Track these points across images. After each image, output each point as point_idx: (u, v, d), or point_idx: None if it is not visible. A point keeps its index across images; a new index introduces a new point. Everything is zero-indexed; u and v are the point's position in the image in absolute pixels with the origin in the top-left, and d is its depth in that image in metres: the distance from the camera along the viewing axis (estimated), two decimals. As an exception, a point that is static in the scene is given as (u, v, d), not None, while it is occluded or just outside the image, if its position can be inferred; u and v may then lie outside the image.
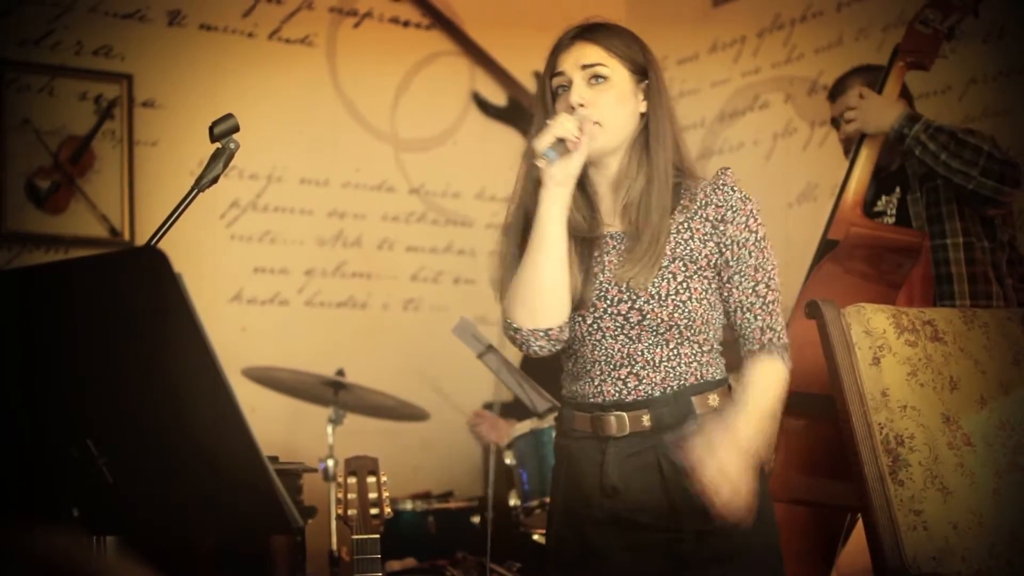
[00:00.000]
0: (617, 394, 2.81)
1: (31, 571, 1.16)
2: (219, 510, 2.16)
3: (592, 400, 2.84)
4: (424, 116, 6.30)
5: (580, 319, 2.83)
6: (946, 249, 3.97)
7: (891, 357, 3.07)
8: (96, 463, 2.12)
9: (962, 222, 3.98)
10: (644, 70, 2.86)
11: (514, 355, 4.52)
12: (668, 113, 2.87)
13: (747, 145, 6.03)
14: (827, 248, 3.99)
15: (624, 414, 2.80)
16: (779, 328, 2.82)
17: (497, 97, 6.46)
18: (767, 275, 2.82)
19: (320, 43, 6.06)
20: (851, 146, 4.13)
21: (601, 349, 2.82)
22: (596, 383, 2.83)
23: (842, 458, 3.11)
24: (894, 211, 4.14)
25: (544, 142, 2.69)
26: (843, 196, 4.04)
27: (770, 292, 2.82)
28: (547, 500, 4.30)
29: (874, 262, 3.91)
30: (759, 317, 2.80)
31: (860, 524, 3.49)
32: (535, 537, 4.64)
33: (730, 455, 2.60)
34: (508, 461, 4.53)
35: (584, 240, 2.86)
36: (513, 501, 4.48)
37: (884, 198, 4.18)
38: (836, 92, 4.38)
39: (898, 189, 4.14)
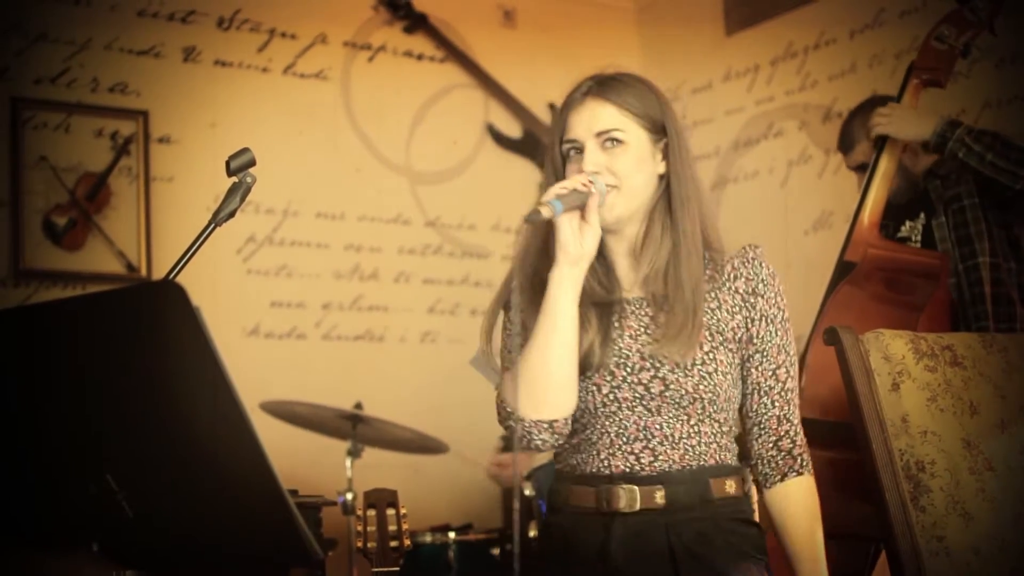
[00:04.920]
0: (628, 469, 2.59)
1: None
2: (240, 543, 2.15)
3: (597, 473, 2.62)
4: (439, 148, 6.32)
5: (595, 389, 2.61)
6: (978, 269, 3.94)
7: (910, 383, 3.06)
8: (116, 497, 2.12)
9: (990, 243, 3.96)
10: (662, 127, 2.65)
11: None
12: (691, 173, 2.66)
13: (762, 173, 6.02)
14: (844, 270, 3.96)
15: (635, 488, 2.57)
16: (796, 421, 2.67)
17: (512, 129, 6.47)
18: (789, 359, 2.66)
19: (335, 77, 6.09)
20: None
21: (615, 421, 2.60)
22: (603, 456, 2.62)
23: (864, 487, 3.10)
24: (919, 237, 4.12)
25: (548, 195, 2.49)
26: (859, 216, 4.01)
27: (790, 379, 2.66)
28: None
29: (893, 284, 3.89)
30: (776, 404, 2.64)
31: (884, 557, 3.47)
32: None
33: None
34: (527, 492, 4.52)
35: (599, 304, 2.65)
36: (532, 532, 4.46)
37: (908, 223, 4.16)
38: (846, 145, 4.36)
39: (923, 215, 4.12)
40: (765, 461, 2.66)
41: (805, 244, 5.67)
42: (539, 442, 2.59)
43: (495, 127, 6.45)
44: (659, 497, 2.57)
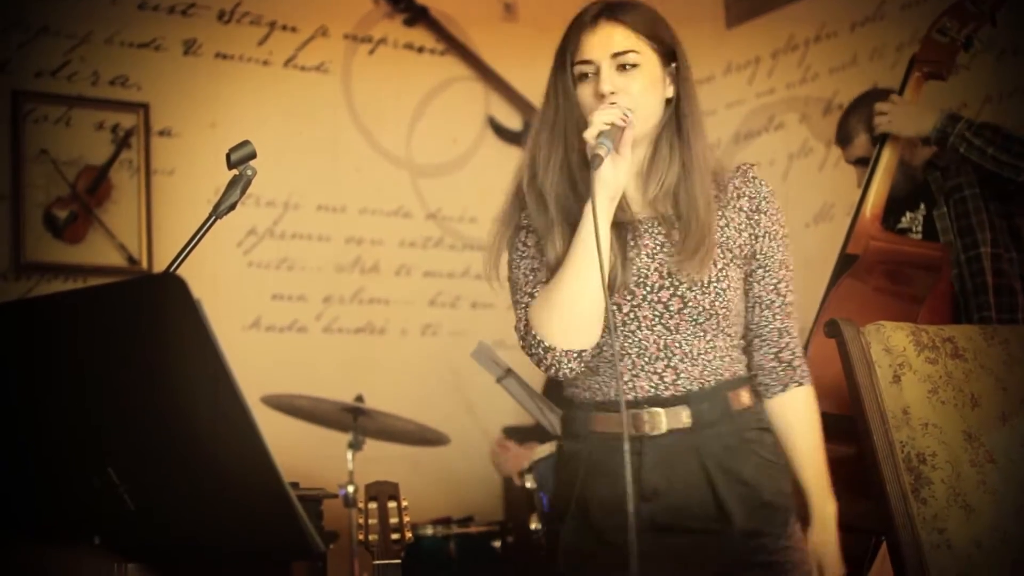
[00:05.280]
0: (653, 389, 2.64)
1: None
2: (241, 536, 2.15)
3: (617, 397, 2.64)
4: (440, 141, 6.31)
5: (615, 308, 2.63)
6: (980, 259, 3.94)
7: (911, 375, 3.05)
8: (117, 491, 2.12)
9: (992, 233, 3.96)
10: (672, 52, 2.71)
11: (533, 379, 4.51)
12: (696, 97, 2.75)
13: (763, 166, 6.00)
14: (846, 263, 3.96)
15: (661, 411, 2.63)
16: (795, 334, 2.77)
17: (512, 121, 6.47)
18: (788, 274, 2.76)
19: (335, 70, 6.09)
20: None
21: (634, 340, 2.64)
22: (627, 378, 2.64)
23: (863, 480, 3.10)
24: (920, 228, 4.12)
25: (593, 131, 2.50)
26: (861, 209, 4.01)
27: (789, 293, 2.75)
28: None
29: (895, 277, 3.89)
30: (777, 317, 2.74)
31: (883, 548, 3.47)
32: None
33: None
34: (528, 485, 4.52)
35: (615, 224, 2.64)
36: (534, 525, 4.46)
37: (909, 215, 4.16)
38: (844, 138, 4.37)
39: (923, 206, 4.12)
40: (766, 372, 2.76)
41: (806, 237, 5.66)
42: (567, 371, 2.63)
43: (496, 119, 6.45)
44: (685, 417, 2.64)
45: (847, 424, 3.14)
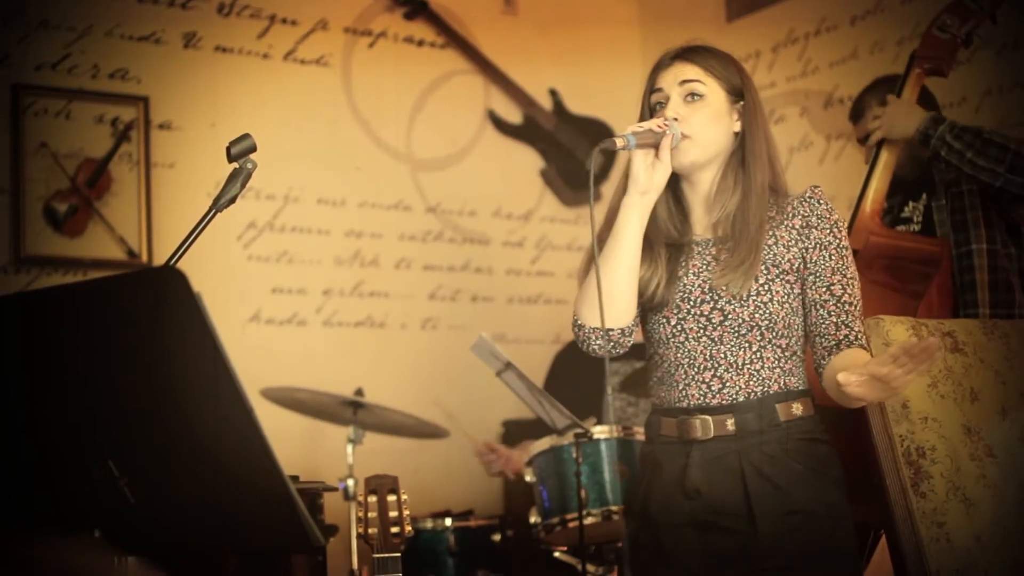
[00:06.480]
0: (702, 397, 2.88)
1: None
2: (241, 529, 2.16)
3: (678, 405, 2.91)
4: (440, 135, 6.31)
5: (664, 320, 2.93)
6: (971, 256, 3.94)
7: (911, 369, 3.05)
8: (117, 484, 2.12)
9: (987, 229, 3.95)
10: (740, 91, 2.96)
11: (532, 372, 4.51)
12: (764, 133, 2.97)
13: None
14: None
15: (709, 418, 2.87)
16: (858, 329, 2.86)
17: (512, 115, 6.46)
18: (845, 279, 2.88)
19: (335, 63, 6.08)
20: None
21: (684, 351, 2.90)
22: (681, 387, 2.91)
23: (861, 474, 3.10)
24: (920, 218, 4.12)
25: (627, 130, 2.79)
26: (861, 205, 4.01)
27: (846, 293, 2.86)
28: (567, 517, 4.30)
29: (894, 272, 3.89)
30: (833, 313, 2.85)
31: (883, 542, 3.47)
32: (556, 554, 4.63)
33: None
34: (528, 478, 4.52)
35: (671, 245, 2.96)
36: (533, 518, 4.46)
37: (911, 204, 4.16)
38: (856, 114, 4.37)
39: (925, 196, 4.12)
40: (825, 359, 2.85)
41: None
42: (595, 347, 2.94)
43: (496, 113, 6.45)
44: (730, 424, 2.86)
45: (846, 418, 3.15)
